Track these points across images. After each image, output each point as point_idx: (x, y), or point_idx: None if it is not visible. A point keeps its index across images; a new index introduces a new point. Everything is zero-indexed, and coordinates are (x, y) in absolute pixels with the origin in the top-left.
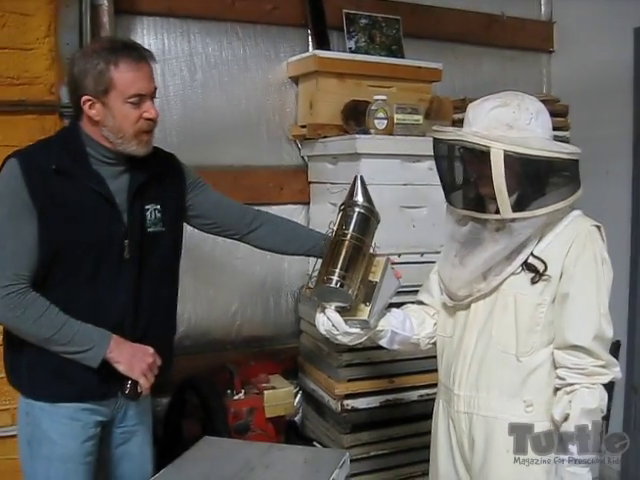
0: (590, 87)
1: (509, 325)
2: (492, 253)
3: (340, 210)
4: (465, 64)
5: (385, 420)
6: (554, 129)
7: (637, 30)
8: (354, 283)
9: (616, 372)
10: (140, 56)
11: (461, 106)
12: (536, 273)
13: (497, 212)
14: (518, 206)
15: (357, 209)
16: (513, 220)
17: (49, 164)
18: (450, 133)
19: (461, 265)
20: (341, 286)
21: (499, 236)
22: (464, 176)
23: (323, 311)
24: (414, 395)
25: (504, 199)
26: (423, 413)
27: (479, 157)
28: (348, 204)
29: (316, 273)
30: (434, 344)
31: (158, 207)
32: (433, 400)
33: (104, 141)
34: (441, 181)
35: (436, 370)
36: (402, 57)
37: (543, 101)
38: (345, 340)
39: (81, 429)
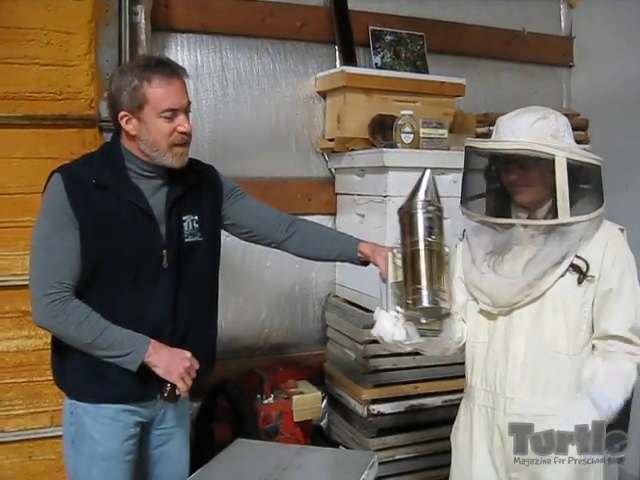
0: (609, 101)
1: (559, 326)
2: (542, 257)
3: (404, 214)
4: (487, 79)
5: (410, 425)
6: (575, 142)
7: None
8: (447, 294)
9: None
10: (172, 72)
11: (484, 120)
12: (580, 273)
13: (535, 217)
14: (573, 210)
15: (432, 210)
16: (565, 224)
17: (90, 179)
18: (512, 142)
19: (496, 273)
20: (435, 303)
21: (542, 240)
22: (508, 184)
23: (395, 322)
24: (438, 400)
25: (565, 204)
26: (447, 418)
27: (540, 165)
28: (415, 206)
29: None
30: (460, 349)
31: (196, 218)
32: (456, 405)
33: (142, 155)
34: (474, 190)
35: (460, 376)
36: (426, 72)
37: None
38: (408, 349)
39: (122, 429)
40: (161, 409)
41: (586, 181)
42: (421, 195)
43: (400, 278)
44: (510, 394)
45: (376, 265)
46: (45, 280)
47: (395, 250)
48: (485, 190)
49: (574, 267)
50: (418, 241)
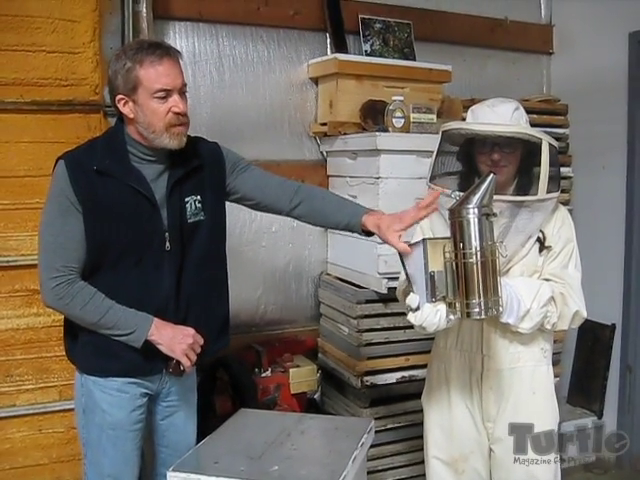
0: (587, 87)
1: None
2: (517, 230)
3: (457, 219)
4: (471, 66)
5: (401, 395)
6: (555, 127)
7: (632, 35)
8: (498, 299)
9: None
10: (164, 53)
11: (470, 106)
12: (541, 244)
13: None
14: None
15: (486, 214)
16: (543, 200)
17: (92, 165)
18: (515, 127)
19: None
20: (488, 314)
21: (509, 214)
22: (489, 164)
23: (441, 315)
24: None
25: (545, 182)
26: None
27: (524, 148)
28: (469, 212)
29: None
30: None
31: (198, 198)
32: None
33: (141, 138)
34: (453, 169)
35: None
36: (414, 59)
37: (544, 101)
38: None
39: (128, 400)
40: (167, 383)
41: (554, 164)
42: (477, 200)
43: (440, 268)
44: (486, 352)
45: (385, 241)
46: (51, 264)
47: (438, 241)
48: (462, 169)
49: (538, 239)
50: (472, 253)
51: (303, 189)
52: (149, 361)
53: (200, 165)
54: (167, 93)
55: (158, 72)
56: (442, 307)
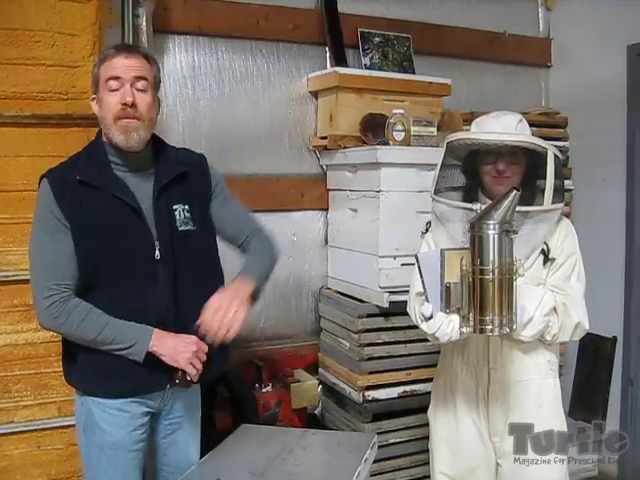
0: (586, 100)
1: None
2: (523, 241)
3: (476, 233)
4: (470, 79)
5: (403, 410)
6: (555, 139)
7: (630, 47)
8: (513, 317)
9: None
10: (123, 49)
11: (470, 119)
12: (545, 256)
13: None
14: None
15: (505, 230)
16: (548, 210)
17: (74, 176)
18: (522, 136)
19: None
20: (501, 332)
21: (532, 226)
22: (494, 174)
23: (454, 326)
24: (429, 386)
25: (550, 193)
26: None
27: (529, 158)
28: (489, 227)
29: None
30: None
31: (186, 207)
32: None
33: (108, 140)
34: (456, 181)
35: None
36: (413, 73)
37: (544, 113)
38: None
39: (129, 419)
40: (169, 400)
41: (559, 175)
42: (498, 216)
43: (456, 279)
44: (492, 365)
45: None
46: (43, 283)
47: (458, 254)
48: (467, 181)
49: (542, 251)
50: (489, 270)
51: (253, 243)
52: (152, 377)
53: (186, 172)
54: (119, 84)
55: (112, 63)
56: (455, 318)
